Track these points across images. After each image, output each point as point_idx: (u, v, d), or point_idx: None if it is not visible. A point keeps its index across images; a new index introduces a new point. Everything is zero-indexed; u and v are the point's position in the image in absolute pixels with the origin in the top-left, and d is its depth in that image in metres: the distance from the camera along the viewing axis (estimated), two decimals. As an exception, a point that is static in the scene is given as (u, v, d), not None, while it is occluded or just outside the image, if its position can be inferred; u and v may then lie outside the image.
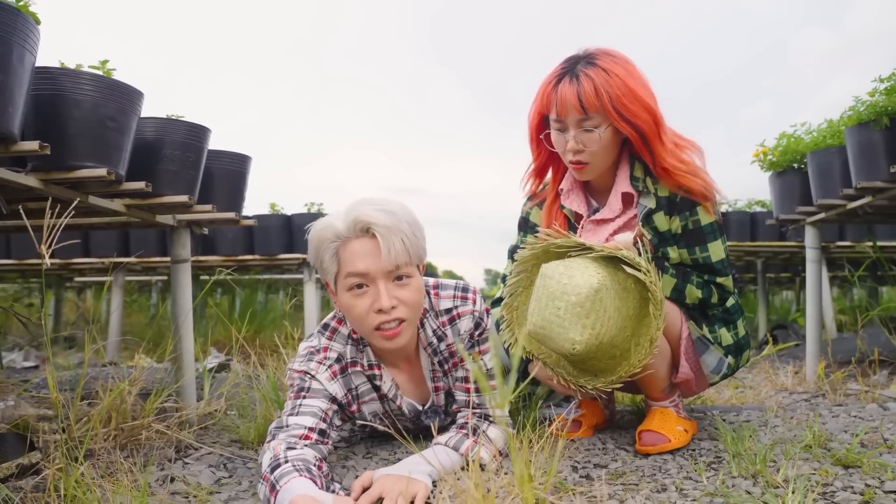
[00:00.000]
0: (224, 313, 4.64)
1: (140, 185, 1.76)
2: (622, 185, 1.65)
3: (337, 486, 1.26)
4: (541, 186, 1.81)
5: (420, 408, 1.60)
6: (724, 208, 4.41)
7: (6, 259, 4.05)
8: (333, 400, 1.45)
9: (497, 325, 1.73)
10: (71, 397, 1.70)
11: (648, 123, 1.54)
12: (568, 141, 1.59)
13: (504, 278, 1.76)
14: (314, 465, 1.25)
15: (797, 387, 2.60)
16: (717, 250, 1.62)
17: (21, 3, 1.40)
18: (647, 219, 1.61)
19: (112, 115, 1.64)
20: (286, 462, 1.22)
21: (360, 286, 1.37)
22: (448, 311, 1.53)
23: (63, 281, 5.88)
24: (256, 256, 3.95)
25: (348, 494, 1.24)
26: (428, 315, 1.52)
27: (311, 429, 1.35)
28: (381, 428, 1.49)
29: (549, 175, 1.78)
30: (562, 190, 1.73)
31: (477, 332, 1.55)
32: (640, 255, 1.44)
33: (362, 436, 1.82)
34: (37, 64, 1.45)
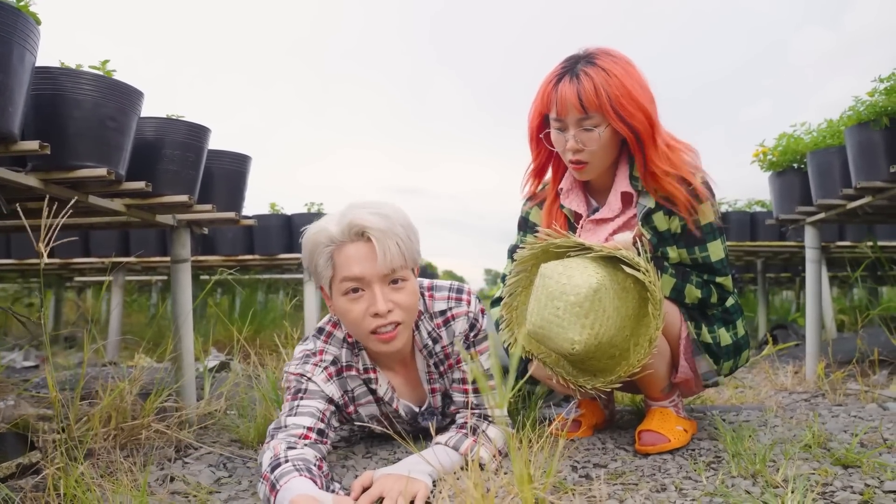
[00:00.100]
0: (224, 313, 4.64)
1: (140, 184, 1.76)
2: (621, 184, 1.65)
3: (337, 485, 1.26)
4: (540, 187, 1.81)
5: (417, 409, 1.60)
6: (724, 208, 4.41)
7: (6, 259, 4.06)
8: (330, 401, 1.45)
9: (497, 324, 1.73)
10: (71, 397, 1.70)
11: (643, 125, 1.54)
12: (568, 140, 1.59)
13: (504, 278, 1.76)
14: (314, 464, 1.25)
15: (797, 387, 2.60)
16: (716, 250, 1.62)
17: (21, 3, 1.40)
18: (647, 218, 1.61)
19: (112, 115, 1.64)
20: (286, 461, 1.22)
21: (355, 290, 1.36)
22: (442, 312, 1.53)
23: (63, 281, 5.88)
24: (256, 256, 3.95)
25: (348, 494, 1.24)
26: (423, 317, 1.51)
27: (309, 428, 1.35)
28: (378, 430, 1.49)
29: (549, 175, 1.78)
30: (561, 189, 1.73)
31: (472, 334, 1.55)
32: (639, 254, 1.44)
33: (362, 435, 1.82)
34: (37, 64, 1.45)
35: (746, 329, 1.71)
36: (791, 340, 3.89)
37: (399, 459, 1.53)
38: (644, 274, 1.41)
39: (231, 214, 2.18)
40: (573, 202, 1.71)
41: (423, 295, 1.52)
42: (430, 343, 1.52)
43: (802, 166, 2.82)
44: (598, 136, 1.56)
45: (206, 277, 4.92)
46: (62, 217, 1.41)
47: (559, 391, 1.67)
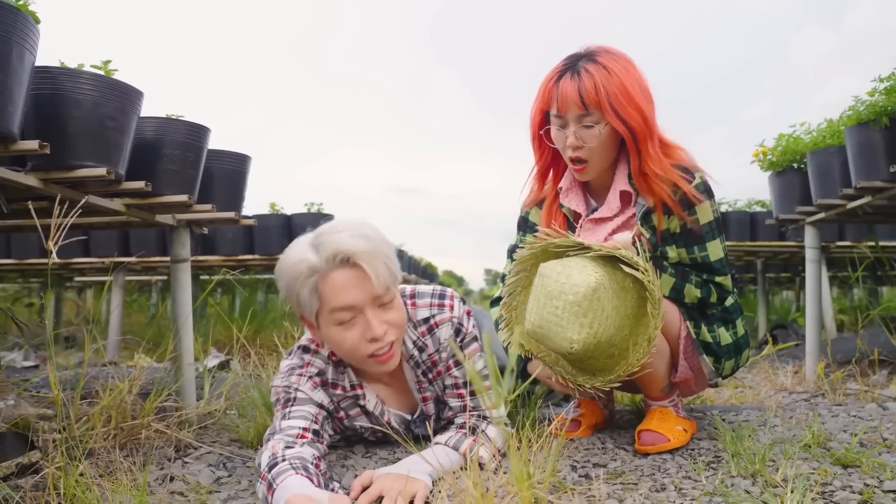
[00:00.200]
0: (224, 313, 4.64)
1: (140, 184, 1.76)
2: (621, 183, 1.65)
3: (336, 484, 1.26)
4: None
5: (409, 418, 1.59)
6: (724, 208, 4.41)
7: (6, 259, 4.06)
8: (321, 406, 1.45)
9: (496, 324, 1.73)
10: (71, 396, 1.70)
11: (640, 124, 1.54)
12: (568, 137, 1.59)
13: (503, 278, 1.76)
14: (312, 463, 1.25)
15: (797, 386, 2.60)
16: (715, 249, 1.62)
17: (21, 3, 1.40)
18: (646, 218, 1.61)
19: (112, 115, 1.64)
20: (283, 460, 1.22)
21: (348, 318, 1.32)
22: (426, 320, 1.49)
23: (63, 280, 5.88)
24: (256, 256, 3.95)
25: (347, 493, 1.24)
26: (406, 326, 1.45)
27: (304, 429, 1.35)
28: (372, 439, 1.48)
29: (550, 175, 1.78)
30: (561, 189, 1.74)
31: (458, 339, 1.51)
32: (638, 254, 1.44)
33: (361, 434, 1.82)
34: (37, 63, 1.45)
35: (746, 328, 1.71)
36: (791, 340, 3.89)
37: (399, 459, 1.53)
38: (643, 273, 1.41)
39: (231, 214, 2.18)
40: (572, 201, 1.72)
41: (405, 304, 1.46)
42: (416, 353, 1.50)
43: (802, 166, 2.82)
44: (597, 133, 1.57)
45: (206, 277, 4.92)
46: (71, 217, 1.41)
47: (558, 390, 1.67)
